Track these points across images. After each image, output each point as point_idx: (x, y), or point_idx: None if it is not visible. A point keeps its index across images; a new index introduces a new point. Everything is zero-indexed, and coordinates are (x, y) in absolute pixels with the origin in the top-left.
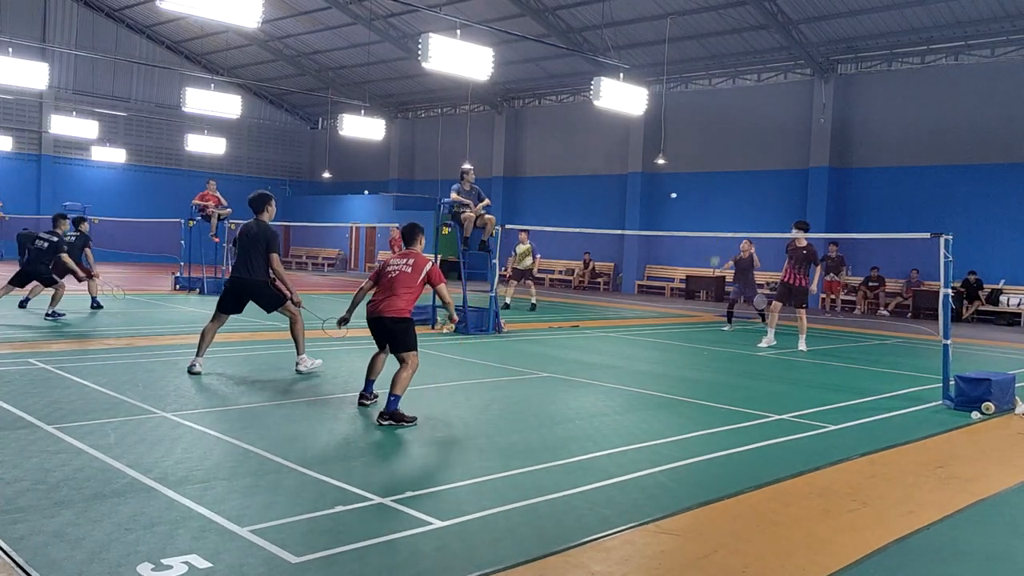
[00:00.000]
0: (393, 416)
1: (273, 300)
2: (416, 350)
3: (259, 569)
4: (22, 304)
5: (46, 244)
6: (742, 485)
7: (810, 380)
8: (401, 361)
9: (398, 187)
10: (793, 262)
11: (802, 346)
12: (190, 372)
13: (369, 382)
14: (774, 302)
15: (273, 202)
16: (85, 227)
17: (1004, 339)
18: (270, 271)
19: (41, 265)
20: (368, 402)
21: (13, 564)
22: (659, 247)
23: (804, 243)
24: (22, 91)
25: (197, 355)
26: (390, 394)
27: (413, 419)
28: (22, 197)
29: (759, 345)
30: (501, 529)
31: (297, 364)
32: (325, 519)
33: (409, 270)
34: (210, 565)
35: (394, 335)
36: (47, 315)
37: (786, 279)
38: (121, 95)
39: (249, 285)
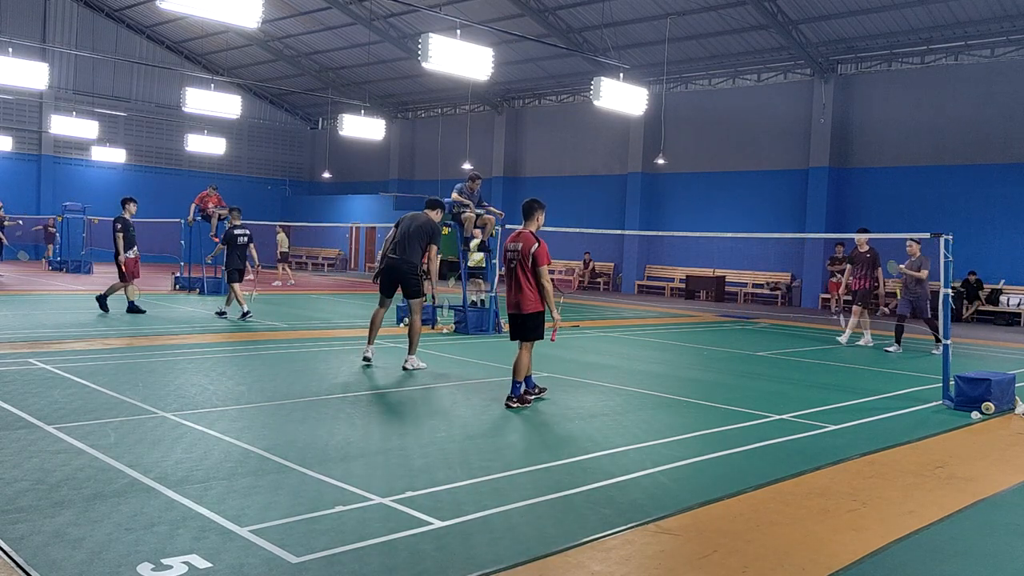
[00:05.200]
0: (520, 399)
1: (415, 289)
2: (535, 340)
3: (259, 569)
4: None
5: (246, 238)
6: (742, 485)
7: (810, 380)
8: (521, 347)
9: (398, 187)
10: (858, 267)
11: (868, 340)
12: (364, 360)
13: (527, 379)
14: (854, 307)
15: (443, 208)
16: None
17: (1004, 339)
18: (424, 260)
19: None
20: (536, 394)
21: (13, 564)
22: (659, 247)
23: (866, 247)
24: (22, 91)
25: (369, 342)
26: (513, 381)
27: (531, 400)
28: (22, 197)
29: (859, 343)
30: (501, 529)
31: (405, 361)
32: (325, 519)
33: (520, 257)
34: (210, 565)
35: (526, 327)
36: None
37: (855, 286)
38: (121, 95)
39: (400, 267)
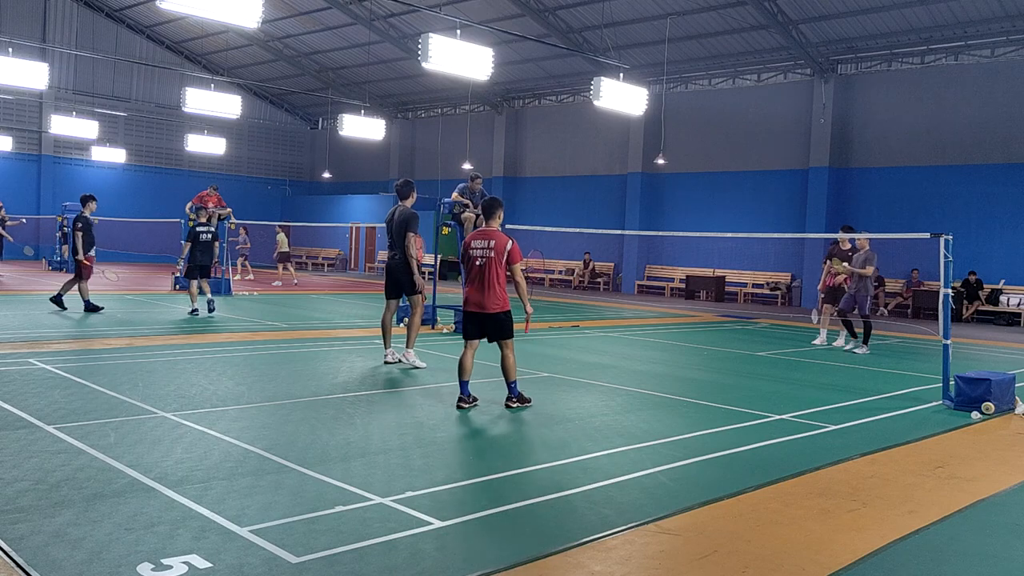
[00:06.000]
0: (520, 399)
1: (411, 285)
2: (513, 336)
3: (259, 569)
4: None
5: (209, 235)
6: (742, 485)
7: (810, 380)
8: (503, 348)
9: None
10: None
11: (841, 342)
12: (385, 363)
13: (464, 383)
14: (824, 305)
15: (415, 190)
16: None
17: (1004, 339)
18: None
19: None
20: (468, 405)
21: (13, 564)
22: (659, 247)
23: (848, 246)
24: (22, 91)
25: (386, 347)
26: (509, 382)
27: (530, 399)
28: (22, 197)
29: (814, 343)
30: (501, 529)
31: (402, 357)
32: (325, 519)
33: (492, 254)
34: (210, 565)
35: (498, 326)
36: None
37: (829, 282)
38: (121, 95)
39: (396, 267)
